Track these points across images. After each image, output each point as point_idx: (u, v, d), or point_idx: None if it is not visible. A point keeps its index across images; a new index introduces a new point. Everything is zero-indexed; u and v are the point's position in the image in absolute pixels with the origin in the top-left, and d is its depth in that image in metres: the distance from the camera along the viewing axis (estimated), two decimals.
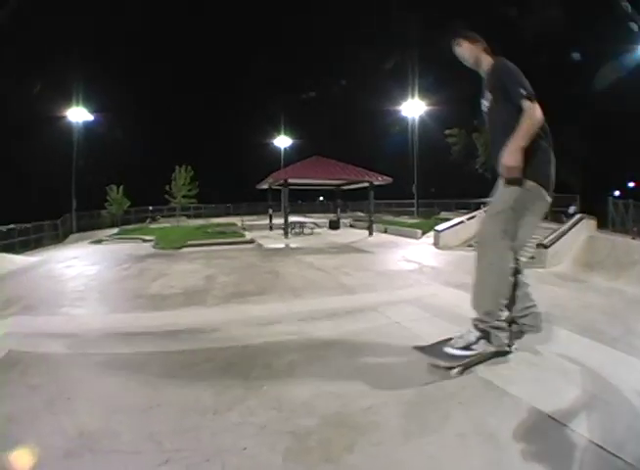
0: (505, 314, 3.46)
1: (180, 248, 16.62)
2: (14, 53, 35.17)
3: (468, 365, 3.34)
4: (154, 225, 32.31)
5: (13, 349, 4.84)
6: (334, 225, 26.40)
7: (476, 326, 3.39)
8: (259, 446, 2.59)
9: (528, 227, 3.39)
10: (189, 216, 38.60)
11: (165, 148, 49.65)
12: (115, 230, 28.66)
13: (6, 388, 3.68)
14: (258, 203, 42.01)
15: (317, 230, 24.42)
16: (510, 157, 3.12)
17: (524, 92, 3.10)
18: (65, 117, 33.12)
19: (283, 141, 45.24)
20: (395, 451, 2.43)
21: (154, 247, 17.66)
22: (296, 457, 2.44)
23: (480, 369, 3.31)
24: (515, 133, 3.08)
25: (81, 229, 30.65)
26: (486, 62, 3.60)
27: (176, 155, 40.00)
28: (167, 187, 35.38)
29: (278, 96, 50.89)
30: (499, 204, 3.36)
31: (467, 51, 3.67)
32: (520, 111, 3.11)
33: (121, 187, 35.58)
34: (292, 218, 23.52)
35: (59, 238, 27.27)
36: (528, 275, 3.62)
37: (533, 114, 3.08)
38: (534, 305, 3.58)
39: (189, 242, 17.68)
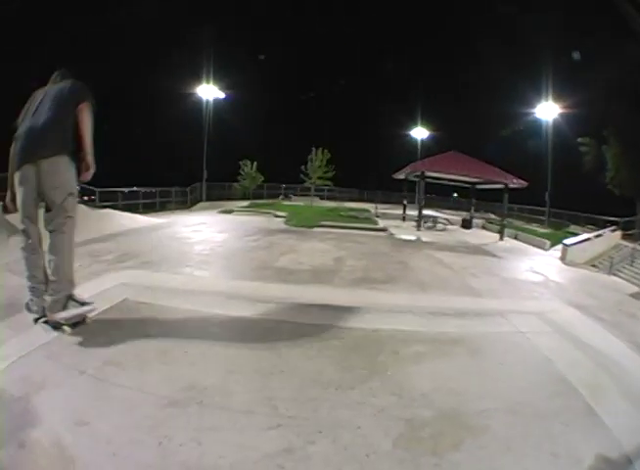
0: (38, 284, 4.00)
1: (312, 227, 17.00)
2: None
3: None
4: (286, 202, 33.73)
5: (130, 298, 5.13)
6: (466, 224, 25.89)
7: None
8: (374, 428, 2.72)
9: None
10: (322, 198, 39.68)
11: (303, 129, 51.07)
12: (246, 203, 30.14)
13: (115, 332, 3.88)
14: (393, 192, 43.24)
15: (449, 227, 24.07)
16: None
17: None
18: (195, 93, 35.46)
19: (420, 132, 45.15)
20: (496, 458, 2.57)
21: (285, 223, 18.26)
22: (405, 445, 2.59)
23: (587, 394, 3.43)
24: None
25: (211, 199, 32.55)
26: None
27: (314, 136, 40.94)
28: (303, 167, 36.38)
29: (417, 88, 50.82)
30: None
31: None
32: None
33: (255, 163, 37.32)
34: (425, 212, 23.36)
35: (187, 204, 29.22)
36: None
37: None
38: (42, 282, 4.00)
39: (321, 222, 18.07)
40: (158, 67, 40.07)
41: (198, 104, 35.81)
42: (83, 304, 4.12)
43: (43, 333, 3.76)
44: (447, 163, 23.08)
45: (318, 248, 11.42)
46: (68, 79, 4.31)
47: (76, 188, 4.10)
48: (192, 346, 3.65)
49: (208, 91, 35.32)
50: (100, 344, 3.55)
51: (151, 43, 38.93)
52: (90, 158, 4.07)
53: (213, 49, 35.58)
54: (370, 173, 47.87)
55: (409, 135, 46.15)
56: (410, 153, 40.20)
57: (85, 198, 18.93)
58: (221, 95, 36.41)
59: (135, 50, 37.84)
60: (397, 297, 6.62)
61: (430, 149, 38.68)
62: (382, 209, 30.31)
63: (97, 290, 5.58)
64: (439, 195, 45.26)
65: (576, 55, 32.04)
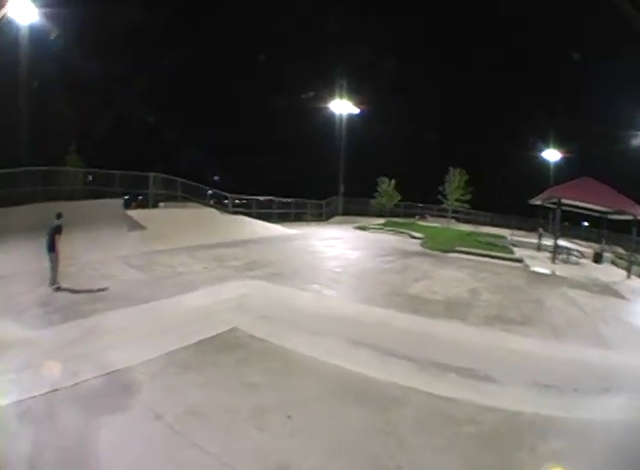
0: None
1: (448, 252, 16.16)
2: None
3: None
4: (422, 222, 32.52)
5: (240, 327, 4.63)
6: (597, 259, 23.51)
7: None
8: None
9: None
10: (458, 220, 37.99)
11: (441, 147, 49.72)
12: (382, 220, 29.70)
13: (213, 373, 3.36)
14: (528, 218, 39.86)
15: (581, 260, 22.06)
16: None
17: None
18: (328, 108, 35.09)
19: (552, 154, 41.48)
20: None
21: (421, 245, 17.59)
22: None
23: None
24: None
25: (346, 213, 32.11)
26: None
27: (450, 157, 39.44)
28: (441, 188, 35.33)
29: (544, 111, 47.17)
30: None
31: None
32: None
33: (393, 180, 36.75)
34: (559, 242, 21.54)
35: (322, 217, 28.75)
36: None
37: None
38: None
39: (458, 247, 17.23)
40: (294, 81, 40.77)
41: (336, 118, 35.88)
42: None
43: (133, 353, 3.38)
44: (584, 190, 20.94)
45: (453, 276, 10.64)
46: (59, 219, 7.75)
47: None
48: (297, 409, 3.04)
49: (342, 106, 34.97)
50: (189, 383, 3.03)
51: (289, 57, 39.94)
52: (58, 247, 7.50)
53: (347, 64, 35.56)
54: (504, 196, 45.55)
55: (540, 157, 43.23)
56: (542, 175, 37.90)
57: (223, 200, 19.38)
58: (355, 110, 36.06)
59: (274, 61, 38.93)
60: (531, 344, 6.09)
61: (560, 171, 36.22)
62: (517, 236, 28.81)
63: (213, 299, 5.28)
64: (571, 222, 42.32)
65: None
